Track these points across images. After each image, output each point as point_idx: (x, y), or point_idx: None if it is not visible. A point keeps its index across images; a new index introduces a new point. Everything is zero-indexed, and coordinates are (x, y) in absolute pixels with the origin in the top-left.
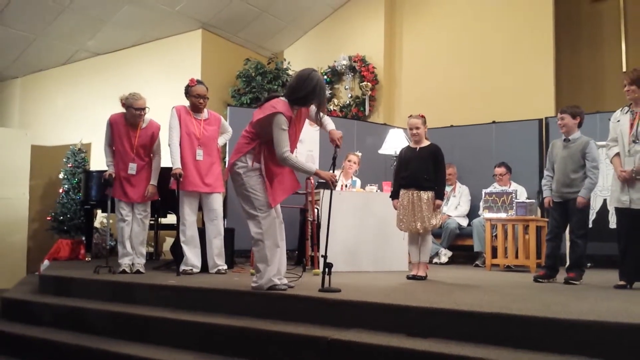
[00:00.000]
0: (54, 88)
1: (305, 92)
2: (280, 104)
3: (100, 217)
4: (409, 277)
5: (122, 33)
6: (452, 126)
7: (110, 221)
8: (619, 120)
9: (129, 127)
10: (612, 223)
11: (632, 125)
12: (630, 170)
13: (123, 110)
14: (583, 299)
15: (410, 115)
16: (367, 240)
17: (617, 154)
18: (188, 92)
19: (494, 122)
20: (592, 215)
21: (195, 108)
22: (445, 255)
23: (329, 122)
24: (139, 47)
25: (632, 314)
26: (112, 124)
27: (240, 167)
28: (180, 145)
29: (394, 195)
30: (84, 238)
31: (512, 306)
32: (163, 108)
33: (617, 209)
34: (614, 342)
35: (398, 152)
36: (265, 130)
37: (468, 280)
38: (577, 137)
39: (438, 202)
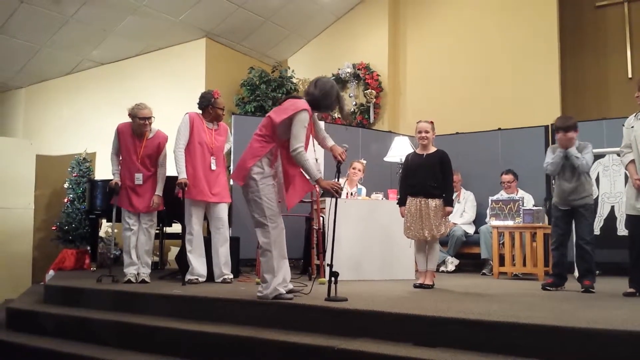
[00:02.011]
0: (59, 98)
1: (331, 100)
2: (302, 102)
3: (105, 227)
4: (416, 286)
5: (126, 43)
6: (457, 133)
7: (115, 230)
8: (632, 127)
9: (135, 137)
10: (620, 230)
11: None
12: None
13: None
14: (592, 307)
15: (420, 120)
16: (374, 248)
17: (632, 161)
18: (212, 103)
19: (499, 129)
20: (600, 222)
21: (216, 119)
22: (452, 263)
23: (328, 139)
24: (143, 56)
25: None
26: (119, 133)
27: (257, 173)
28: (190, 153)
29: (401, 203)
30: (89, 248)
31: (520, 315)
32: (168, 117)
33: (632, 216)
34: (623, 350)
35: (404, 159)
36: (287, 130)
37: (476, 288)
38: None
39: (448, 209)
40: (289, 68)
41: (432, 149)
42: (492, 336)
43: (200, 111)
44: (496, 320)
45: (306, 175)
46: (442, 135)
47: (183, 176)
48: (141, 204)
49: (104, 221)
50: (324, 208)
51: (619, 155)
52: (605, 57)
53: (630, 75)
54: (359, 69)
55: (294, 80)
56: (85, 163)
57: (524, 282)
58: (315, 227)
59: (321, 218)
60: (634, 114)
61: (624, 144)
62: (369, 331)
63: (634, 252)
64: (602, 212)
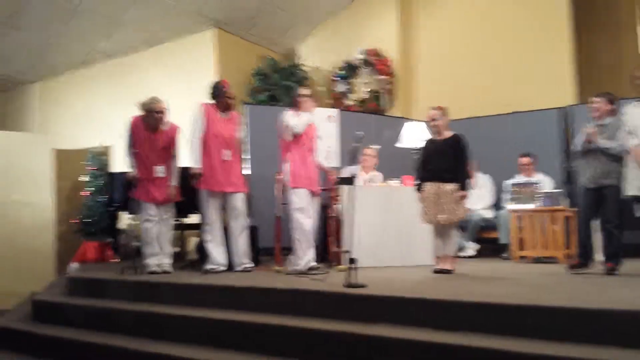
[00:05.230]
0: (72, 92)
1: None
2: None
3: (125, 219)
4: (435, 271)
5: (136, 35)
6: (471, 117)
7: (136, 222)
8: (633, 114)
9: (150, 130)
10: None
11: None
12: None
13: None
14: (614, 288)
15: (430, 107)
16: (392, 234)
17: (637, 145)
18: (222, 93)
19: (514, 112)
20: None
21: (227, 107)
22: (471, 248)
23: None
24: (154, 48)
25: None
26: (133, 127)
27: None
28: (206, 144)
29: (419, 188)
30: (110, 239)
31: (540, 297)
32: (180, 109)
33: (638, 198)
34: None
35: (418, 145)
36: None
37: (495, 272)
38: (609, 122)
39: (463, 193)
40: (300, 56)
41: (448, 134)
42: (511, 319)
43: (212, 101)
44: (515, 303)
45: None
46: (456, 120)
47: (198, 166)
48: (160, 195)
49: (124, 213)
50: (339, 196)
51: None
52: (618, 36)
53: None
54: (369, 55)
55: (305, 69)
56: (101, 156)
57: (545, 265)
58: (331, 214)
59: (337, 206)
60: (633, 104)
61: (626, 130)
62: (388, 316)
63: None
64: None
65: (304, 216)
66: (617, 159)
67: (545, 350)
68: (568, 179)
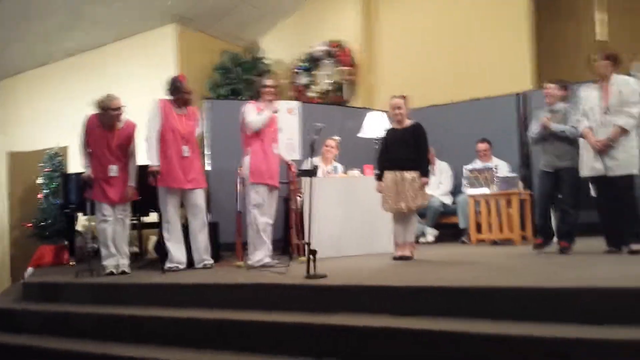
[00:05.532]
0: (31, 92)
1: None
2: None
3: (82, 220)
4: (395, 258)
5: (97, 32)
6: (431, 106)
7: (92, 223)
8: (589, 96)
9: (105, 128)
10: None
11: (602, 99)
12: (606, 138)
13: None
14: (570, 267)
15: (393, 96)
16: (353, 224)
17: (588, 127)
18: (179, 88)
19: (472, 99)
20: None
21: (184, 103)
22: (431, 234)
23: None
24: (113, 44)
25: (619, 278)
26: (88, 126)
27: None
28: (163, 140)
29: (379, 177)
30: (66, 242)
31: (497, 279)
32: (142, 105)
33: (594, 179)
34: (603, 307)
35: (379, 135)
36: None
37: (454, 257)
38: (560, 107)
39: (424, 180)
40: (261, 49)
41: (408, 123)
42: (470, 302)
43: (169, 97)
44: (472, 286)
45: None
46: (417, 108)
47: (155, 164)
48: (115, 195)
49: (80, 215)
50: (301, 188)
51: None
52: (577, 21)
53: (598, 38)
54: (332, 47)
55: (267, 62)
56: (57, 157)
57: (502, 247)
58: (292, 207)
59: (298, 198)
60: (586, 86)
61: (580, 113)
62: (348, 305)
63: (603, 212)
64: None
65: (260, 213)
66: (571, 141)
67: (498, 329)
68: (524, 163)
